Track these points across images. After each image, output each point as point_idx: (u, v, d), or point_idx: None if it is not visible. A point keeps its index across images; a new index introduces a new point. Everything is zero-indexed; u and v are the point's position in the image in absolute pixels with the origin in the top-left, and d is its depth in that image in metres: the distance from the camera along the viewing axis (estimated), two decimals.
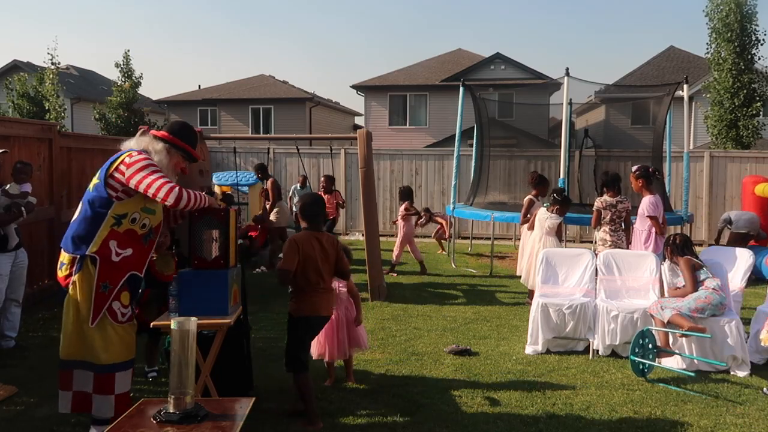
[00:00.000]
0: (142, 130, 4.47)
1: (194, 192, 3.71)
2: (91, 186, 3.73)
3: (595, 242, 7.30)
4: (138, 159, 3.63)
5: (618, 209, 6.88)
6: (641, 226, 6.77)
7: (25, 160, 6.30)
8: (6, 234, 5.58)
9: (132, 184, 3.58)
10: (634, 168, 6.93)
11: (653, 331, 5.23)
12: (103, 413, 3.65)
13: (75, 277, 3.62)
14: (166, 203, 3.57)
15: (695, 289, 5.39)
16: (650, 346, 5.13)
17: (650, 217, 6.63)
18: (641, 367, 5.07)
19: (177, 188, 3.57)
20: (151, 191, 3.55)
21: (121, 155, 3.70)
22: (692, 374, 4.99)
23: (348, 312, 4.84)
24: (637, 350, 5.06)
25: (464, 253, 12.13)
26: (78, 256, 3.61)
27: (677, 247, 5.65)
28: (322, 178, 10.77)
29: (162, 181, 3.57)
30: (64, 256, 3.69)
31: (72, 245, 3.64)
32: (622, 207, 6.90)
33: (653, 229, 6.69)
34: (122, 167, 3.62)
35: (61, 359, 3.72)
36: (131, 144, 3.81)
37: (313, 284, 4.12)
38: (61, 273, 3.71)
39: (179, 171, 3.93)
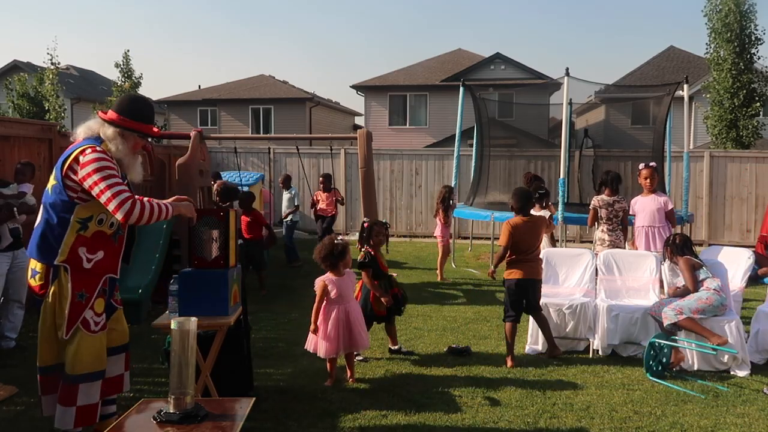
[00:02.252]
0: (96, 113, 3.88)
1: (154, 203, 3.43)
2: (49, 187, 3.46)
3: (595, 242, 7.29)
4: (91, 159, 3.33)
5: (615, 208, 6.86)
6: (661, 221, 6.70)
7: (25, 161, 6.30)
8: None
9: (86, 185, 3.33)
10: (653, 163, 6.87)
11: (668, 348, 5.21)
12: (64, 425, 3.43)
13: (52, 288, 3.42)
14: (116, 216, 3.33)
15: (695, 288, 5.39)
16: (664, 359, 5.16)
17: (671, 210, 6.63)
18: (651, 362, 5.08)
19: (129, 202, 3.31)
20: (102, 199, 3.31)
21: (73, 151, 3.41)
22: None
23: (354, 310, 4.85)
24: (652, 352, 5.09)
25: (464, 253, 12.13)
26: (51, 267, 3.41)
27: (677, 246, 5.65)
28: (321, 177, 10.81)
29: (114, 190, 3.30)
30: (36, 264, 3.46)
31: (38, 254, 3.41)
32: (619, 207, 6.88)
33: (669, 225, 6.68)
34: (75, 166, 3.35)
35: (40, 366, 3.54)
36: (80, 132, 3.52)
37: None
38: (35, 282, 3.48)
39: (141, 150, 3.67)
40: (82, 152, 3.37)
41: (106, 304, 3.59)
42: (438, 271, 9.53)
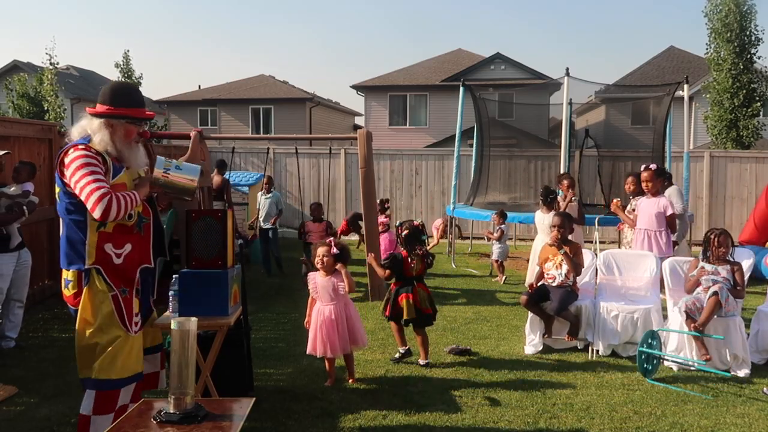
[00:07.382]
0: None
1: (125, 195, 3.28)
2: (56, 195, 3.40)
3: (625, 245, 7.34)
4: (73, 158, 3.24)
5: None
6: (660, 226, 6.56)
7: (25, 160, 6.31)
8: (8, 233, 5.59)
9: (71, 185, 3.23)
10: (653, 166, 6.71)
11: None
12: None
13: (84, 294, 3.29)
14: (93, 214, 3.20)
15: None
16: (655, 361, 5.15)
17: (673, 215, 6.58)
18: (645, 365, 5.07)
19: (106, 198, 3.16)
20: (82, 197, 3.20)
21: (59, 154, 3.34)
22: (717, 372, 4.92)
23: (347, 308, 4.86)
24: (645, 346, 5.08)
25: (464, 253, 12.13)
26: (82, 272, 3.30)
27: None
28: (311, 205, 9.35)
29: (92, 187, 3.17)
30: (68, 273, 3.35)
31: (67, 262, 3.33)
32: None
33: (669, 230, 6.62)
34: (62, 168, 3.27)
35: (82, 379, 3.39)
36: (73, 133, 3.44)
37: None
38: (69, 291, 3.36)
39: (138, 137, 3.49)
40: (65, 153, 3.30)
41: (142, 303, 3.49)
42: None
